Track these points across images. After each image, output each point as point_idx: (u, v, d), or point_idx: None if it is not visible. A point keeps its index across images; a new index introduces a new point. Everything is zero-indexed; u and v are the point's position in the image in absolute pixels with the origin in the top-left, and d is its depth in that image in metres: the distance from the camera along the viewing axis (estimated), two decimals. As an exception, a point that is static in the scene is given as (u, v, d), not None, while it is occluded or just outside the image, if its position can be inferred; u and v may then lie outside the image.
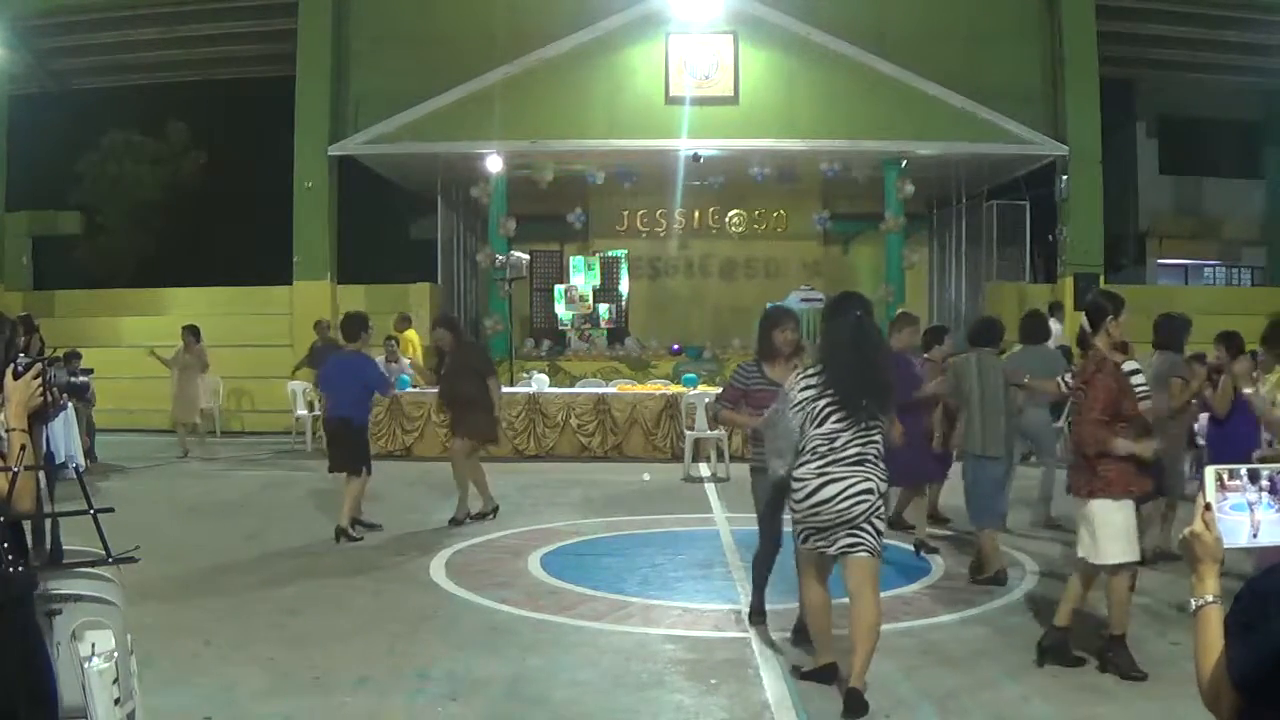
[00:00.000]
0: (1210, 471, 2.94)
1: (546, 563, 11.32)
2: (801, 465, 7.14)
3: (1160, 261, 32.96)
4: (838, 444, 7.09)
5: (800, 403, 7.15)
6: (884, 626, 8.28)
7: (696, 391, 18.45)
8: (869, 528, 7.12)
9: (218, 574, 10.81)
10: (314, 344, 19.88)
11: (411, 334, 21.48)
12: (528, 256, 24.70)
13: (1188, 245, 33.18)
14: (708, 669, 7.92)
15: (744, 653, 8.26)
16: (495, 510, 13.75)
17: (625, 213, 27.48)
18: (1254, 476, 2.91)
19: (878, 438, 7.20)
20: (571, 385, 21.34)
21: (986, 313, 24.39)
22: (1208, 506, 2.90)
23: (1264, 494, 2.88)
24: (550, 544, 12.26)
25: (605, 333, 25.64)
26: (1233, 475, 2.91)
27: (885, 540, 7.39)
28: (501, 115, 21.98)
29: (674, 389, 19.95)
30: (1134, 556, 7.81)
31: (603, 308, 26.00)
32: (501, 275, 23.49)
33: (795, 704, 7.21)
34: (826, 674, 7.49)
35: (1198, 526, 2.91)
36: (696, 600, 9.65)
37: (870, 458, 7.14)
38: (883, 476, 7.19)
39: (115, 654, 4.23)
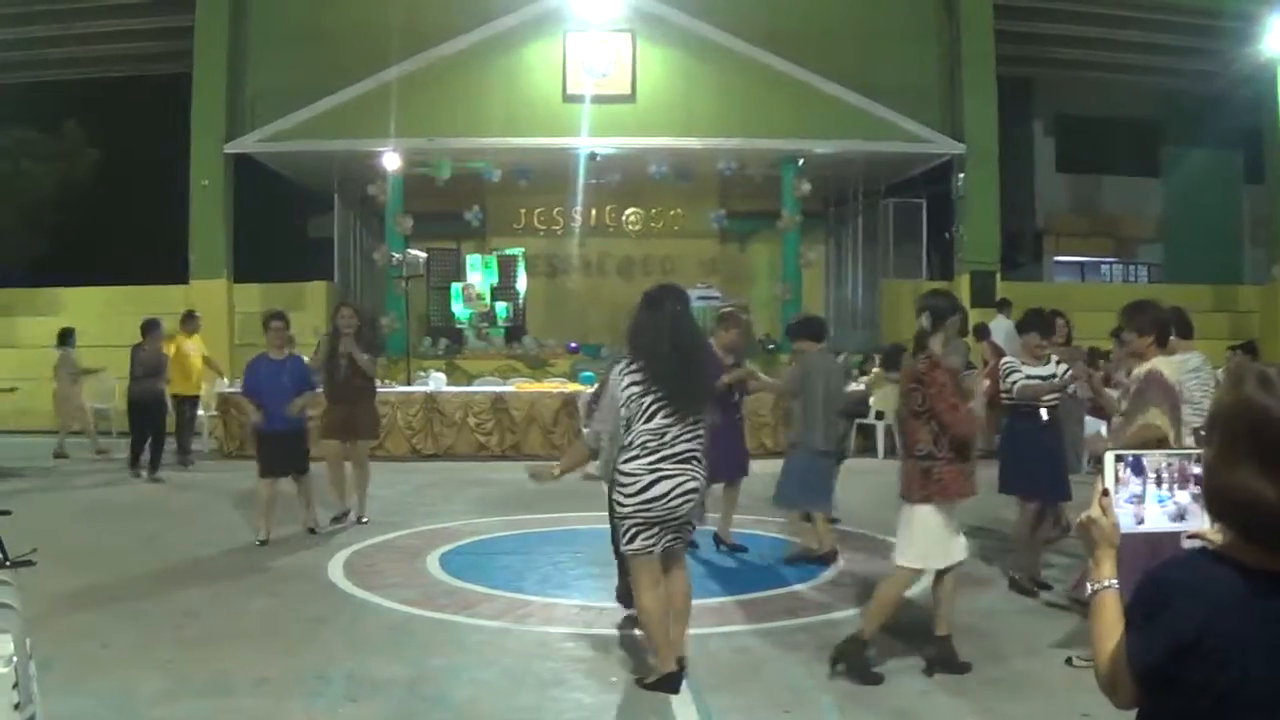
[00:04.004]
0: (1109, 458, 3.01)
1: (445, 562, 11.33)
2: (631, 461, 7.20)
3: (1057, 259, 33.38)
4: (667, 439, 7.21)
5: (627, 398, 7.21)
6: (784, 622, 8.57)
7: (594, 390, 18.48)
8: (691, 525, 7.48)
9: (116, 577, 10.67)
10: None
11: (198, 339, 19.45)
12: (425, 255, 24.59)
13: (1084, 243, 33.64)
14: (608, 667, 7.99)
15: (643, 650, 8.29)
16: (344, 516, 13.41)
17: (522, 211, 27.42)
18: (1138, 468, 2.98)
19: (703, 434, 7.36)
20: (469, 384, 21.27)
21: (883, 310, 24.81)
22: (1105, 492, 2.97)
23: (1154, 485, 2.96)
24: (449, 543, 12.26)
25: (503, 331, 25.56)
26: (1130, 464, 2.98)
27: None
28: (399, 113, 21.83)
29: (572, 387, 19.96)
30: (933, 565, 7.82)
31: (500, 306, 25.92)
32: (398, 273, 23.38)
33: (695, 699, 7.26)
34: (673, 681, 7.41)
35: (1095, 512, 2.97)
36: (596, 598, 9.66)
37: (697, 455, 7.30)
38: (705, 475, 7.40)
39: (14, 658, 4.18)
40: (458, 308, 25.83)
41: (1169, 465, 2.99)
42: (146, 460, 17.06)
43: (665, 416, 7.20)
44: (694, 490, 7.26)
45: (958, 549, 7.78)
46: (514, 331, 25.66)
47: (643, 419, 7.19)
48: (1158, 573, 2.68)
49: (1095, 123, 32.27)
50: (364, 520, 13.31)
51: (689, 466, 7.25)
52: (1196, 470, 2.93)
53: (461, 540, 12.49)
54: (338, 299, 24.05)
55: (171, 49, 24.29)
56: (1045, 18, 25.43)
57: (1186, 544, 2.91)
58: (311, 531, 12.60)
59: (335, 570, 10.92)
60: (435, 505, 14.86)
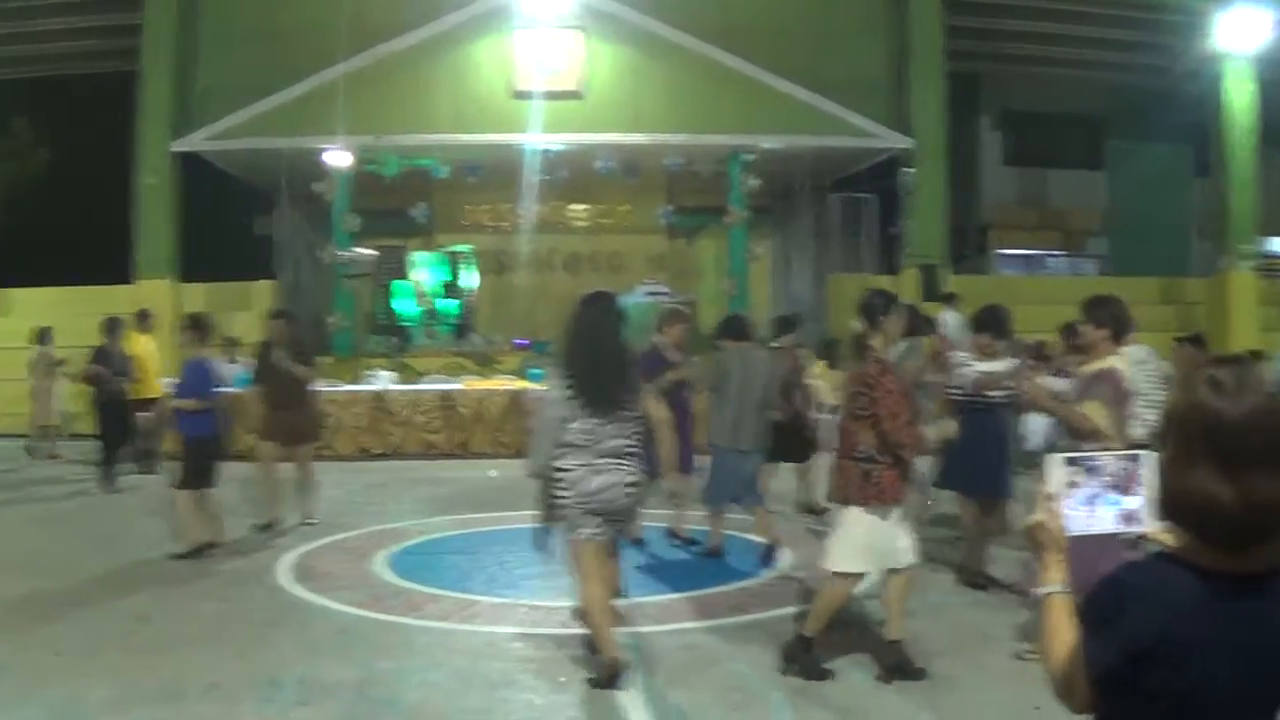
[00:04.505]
0: (1054, 460, 3.01)
1: (394, 563, 11.34)
2: (566, 458, 7.53)
3: (1002, 252, 33.56)
4: (597, 437, 7.55)
5: (559, 399, 7.54)
6: (733, 619, 8.85)
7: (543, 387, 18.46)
8: (629, 516, 7.79)
9: (68, 581, 10.58)
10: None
11: (149, 338, 18.65)
12: (373, 253, 24.49)
13: (1031, 236, 33.79)
14: (557, 667, 7.99)
15: (593, 650, 8.34)
16: (272, 525, 13.09)
17: (470, 208, 27.34)
18: (1092, 468, 3.02)
19: (635, 430, 7.66)
20: (417, 382, 21.22)
21: (826, 305, 24.90)
22: (1051, 496, 2.98)
23: (1105, 488, 3.00)
24: (397, 544, 12.27)
25: (450, 329, 25.54)
26: (1076, 466, 3.00)
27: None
28: (346, 110, 21.68)
29: (520, 384, 19.97)
30: (865, 568, 7.80)
31: (448, 303, 25.90)
32: (346, 272, 23.32)
33: (648, 699, 7.32)
34: (617, 675, 7.54)
35: (1041, 515, 2.97)
36: (544, 597, 9.67)
37: (629, 451, 7.61)
38: (633, 471, 7.64)
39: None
40: (405, 306, 25.79)
41: (1121, 466, 3.03)
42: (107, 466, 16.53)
43: (592, 416, 7.55)
44: (631, 484, 7.59)
45: (902, 553, 7.74)
46: (462, 329, 25.65)
47: (574, 419, 7.52)
48: (1114, 576, 2.72)
49: (1042, 117, 32.47)
50: (312, 522, 13.22)
51: (622, 461, 7.60)
52: (1143, 472, 2.98)
53: (410, 540, 12.49)
54: (284, 298, 24.04)
55: (120, 47, 24.06)
56: (993, 13, 25.57)
57: (1129, 553, 2.95)
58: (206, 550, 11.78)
59: (284, 573, 10.90)
60: (384, 505, 14.84)
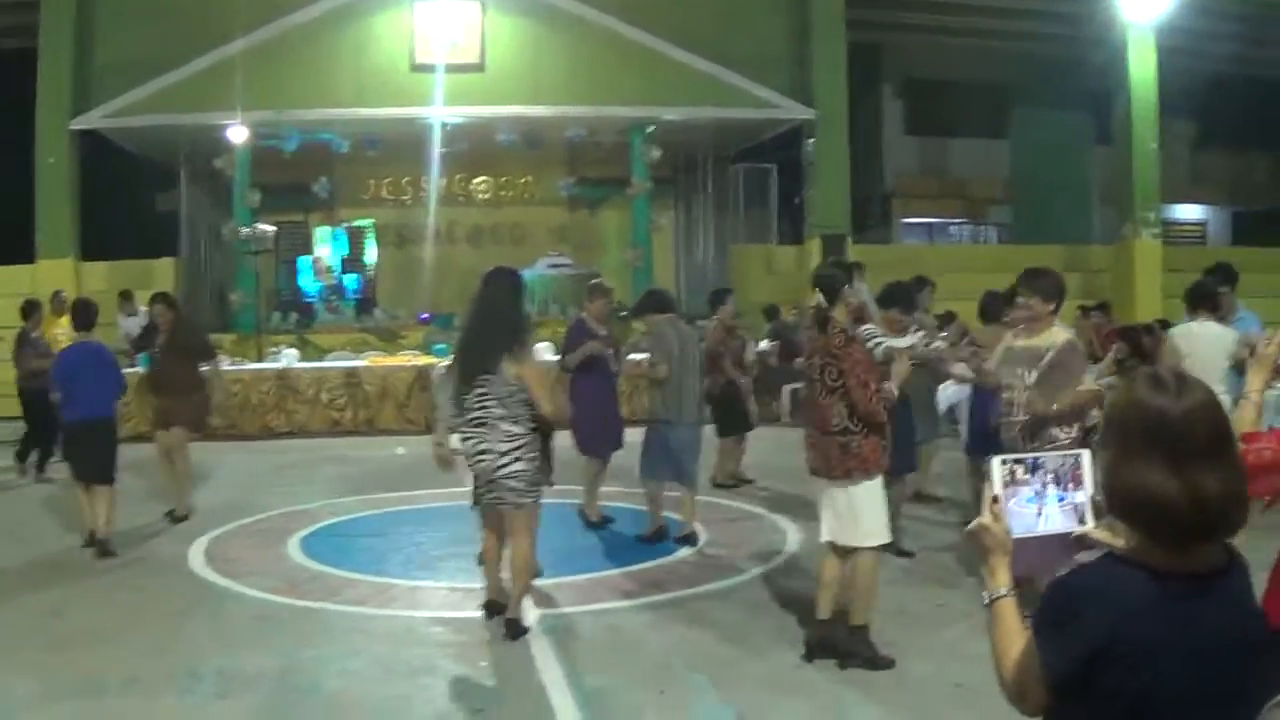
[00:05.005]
0: (996, 463, 3.04)
1: (307, 546, 11.24)
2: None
3: (906, 221, 33.74)
4: (467, 406, 8.13)
5: (443, 375, 8.39)
6: (654, 597, 8.95)
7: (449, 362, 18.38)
8: (504, 484, 8.02)
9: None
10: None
11: (65, 320, 17.02)
12: (274, 229, 24.23)
13: (933, 204, 33.93)
14: (478, 650, 8.02)
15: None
16: (187, 517, 12.66)
17: (371, 181, 27.23)
18: (1034, 468, 3.06)
19: (490, 402, 8.01)
20: (321, 359, 21.07)
21: (729, 276, 24.98)
22: (995, 499, 3.00)
23: (1049, 485, 3.04)
24: (309, 526, 12.16)
25: (353, 304, 25.37)
26: (1018, 467, 3.05)
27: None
28: (246, 85, 21.43)
29: (425, 360, 19.87)
30: (889, 537, 7.84)
31: (350, 278, 25.73)
32: (247, 248, 23.09)
33: (569, 679, 7.35)
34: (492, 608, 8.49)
35: (986, 519, 2.98)
36: (461, 579, 9.63)
37: (488, 420, 8.04)
38: (503, 439, 8.00)
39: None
40: (307, 281, 25.60)
41: (1064, 464, 3.07)
42: (34, 459, 15.77)
43: (462, 384, 8.17)
44: (484, 452, 8.04)
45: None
46: (364, 304, 25.49)
47: (457, 389, 8.19)
48: (1066, 580, 2.75)
49: (944, 86, 32.54)
50: (182, 518, 12.53)
51: (482, 429, 8.06)
52: (1083, 470, 3.03)
53: (321, 522, 12.39)
54: (186, 276, 23.79)
55: (18, 23, 23.50)
56: (896, -18, 25.72)
57: (1083, 555, 2.99)
58: (99, 545, 11.09)
59: (196, 559, 10.76)
60: (293, 486, 14.67)
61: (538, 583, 9.09)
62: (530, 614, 8.59)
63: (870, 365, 7.62)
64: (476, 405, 8.05)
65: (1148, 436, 2.66)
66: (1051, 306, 7.89)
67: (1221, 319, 10.26)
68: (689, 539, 11.00)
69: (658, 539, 11.02)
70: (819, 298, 7.90)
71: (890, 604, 8.37)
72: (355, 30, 22.84)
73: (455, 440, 8.34)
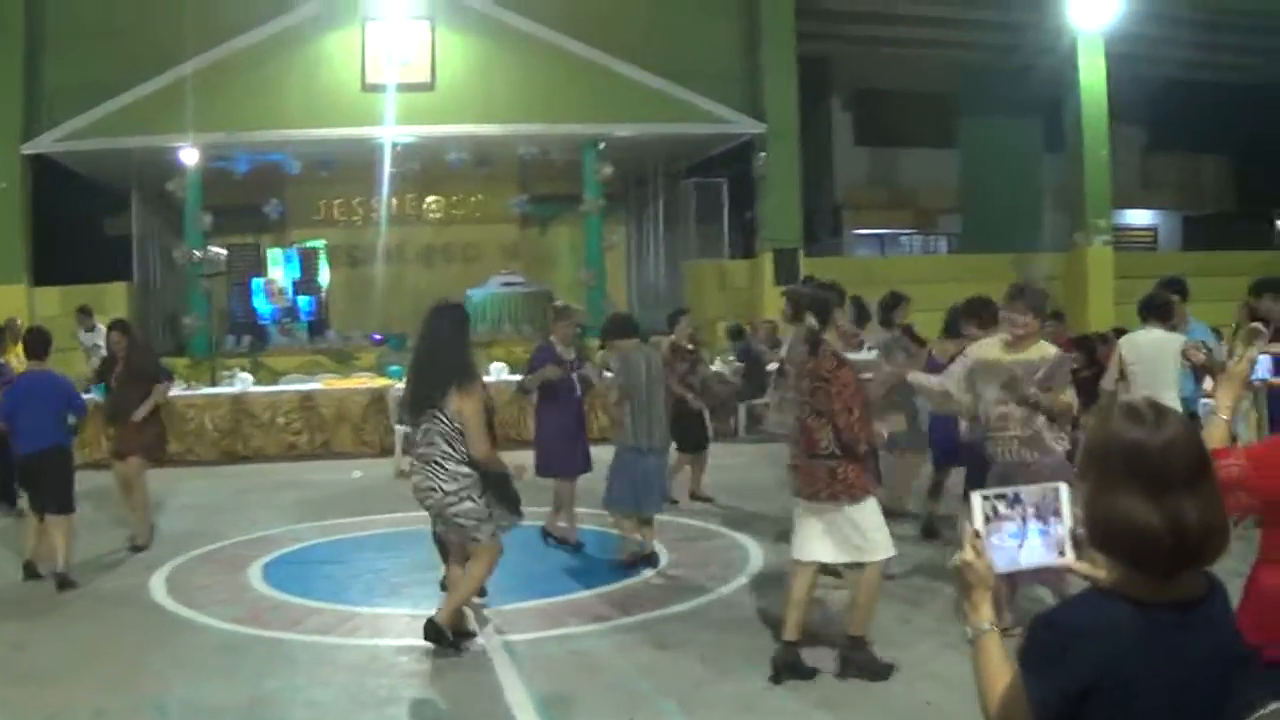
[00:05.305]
0: (977, 498, 3.02)
1: (268, 574, 11.16)
2: None
3: (856, 232, 33.84)
4: (415, 440, 8.29)
5: (393, 405, 8.20)
6: (620, 620, 9.07)
7: (403, 385, 18.32)
8: (454, 522, 8.17)
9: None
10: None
11: (19, 349, 16.32)
12: (225, 252, 24.13)
13: (883, 215, 34.03)
14: (443, 679, 7.99)
15: (479, 658, 8.36)
16: (147, 546, 12.42)
17: (323, 202, 27.28)
18: (1014, 501, 3.07)
19: (436, 439, 8.06)
20: (275, 382, 20.93)
21: (683, 292, 25.06)
22: (976, 534, 2.98)
23: (1030, 519, 3.05)
24: (269, 553, 12.06)
25: (306, 326, 25.29)
26: (999, 501, 3.06)
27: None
28: (196, 107, 21.36)
29: (381, 382, 19.77)
30: (894, 549, 7.83)
31: (302, 300, 25.67)
32: (200, 271, 22.98)
33: (537, 706, 7.34)
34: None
35: (968, 554, 2.97)
36: (423, 606, 9.42)
37: (434, 458, 8.09)
38: (447, 479, 8.05)
39: None
40: (260, 303, 25.51)
41: (1044, 497, 3.08)
42: None
43: (410, 419, 8.31)
44: (429, 488, 8.10)
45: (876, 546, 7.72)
46: (317, 325, 25.43)
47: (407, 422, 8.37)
48: (1050, 617, 2.78)
49: (893, 96, 32.69)
50: (141, 547, 12.33)
51: (425, 466, 8.14)
52: (1062, 503, 3.05)
53: (282, 549, 12.32)
54: (138, 300, 23.65)
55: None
56: (844, -5, 25.87)
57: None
58: (59, 578, 10.85)
59: (158, 589, 10.66)
60: (251, 512, 14.55)
61: (502, 607, 9.11)
62: (490, 639, 8.65)
63: (858, 392, 7.58)
64: (424, 441, 8.13)
65: (1127, 468, 2.69)
66: (1040, 320, 8.06)
67: (1172, 329, 10.37)
68: (650, 560, 10.94)
69: (633, 564, 10.84)
70: (810, 319, 7.94)
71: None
72: (306, 51, 22.78)
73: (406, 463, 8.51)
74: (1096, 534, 2.77)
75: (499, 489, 8.40)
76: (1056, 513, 3.01)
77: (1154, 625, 2.67)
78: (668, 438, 11.35)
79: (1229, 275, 19.05)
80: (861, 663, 7.58)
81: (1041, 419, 7.78)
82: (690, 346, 13.96)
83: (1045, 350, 7.94)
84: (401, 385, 10.73)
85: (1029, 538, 3.01)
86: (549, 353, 11.78)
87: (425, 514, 8.61)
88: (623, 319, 11.81)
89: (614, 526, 11.48)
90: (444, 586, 8.95)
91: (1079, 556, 2.97)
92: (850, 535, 7.57)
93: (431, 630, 8.20)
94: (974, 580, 2.99)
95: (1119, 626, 2.67)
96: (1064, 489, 3.03)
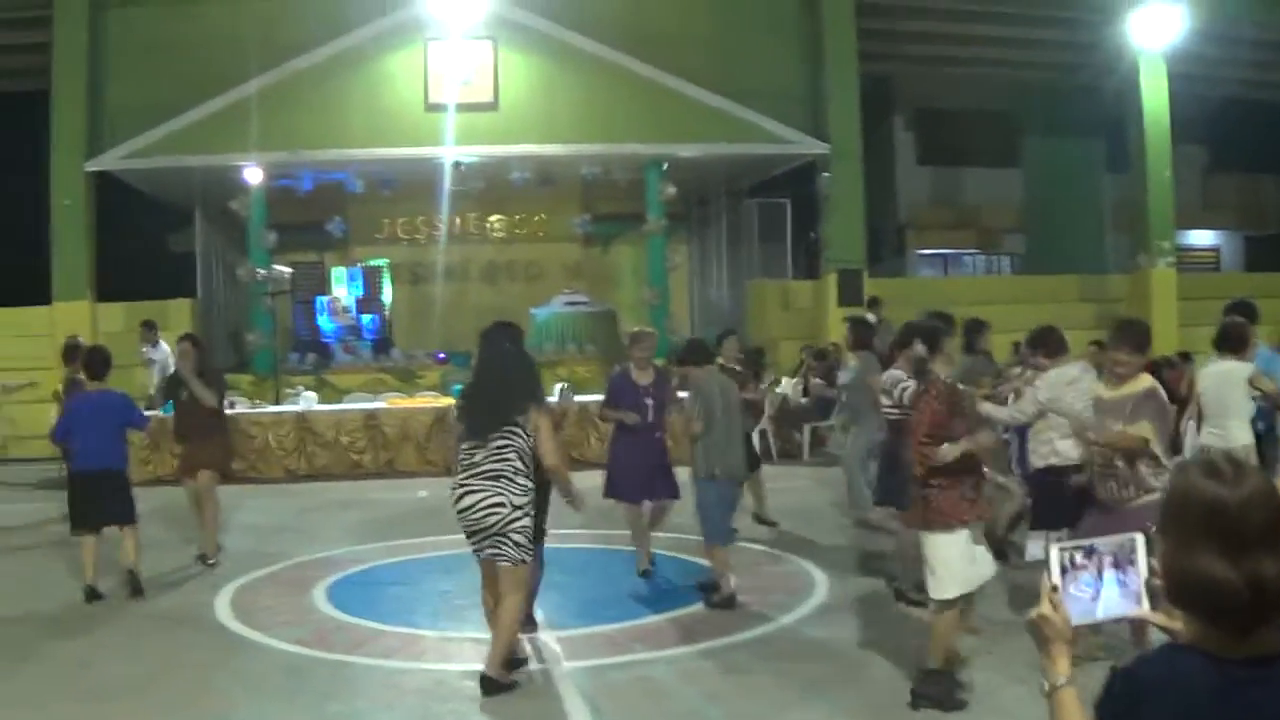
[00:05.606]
0: (1054, 550, 2.96)
1: (333, 595, 11.17)
2: (457, 476, 8.11)
3: (920, 252, 33.74)
4: (476, 459, 8.03)
5: (454, 424, 8.32)
6: (686, 648, 8.92)
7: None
8: (507, 539, 7.94)
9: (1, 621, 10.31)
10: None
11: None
12: (290, 270, 24.27)
13: (947, 235, 34.02)
14: (510, 705, 7.93)
15: (545, 685, 8.31)
16: (217, 562, 12.55)
17: (386, 221, 27.35)
18: (1091, 552, 3.00)
19: (510, 454, 7.95)
20: (339, 401, 20.99)
21: (745, 312, 25.01)
22: (1054, 588, 2.92)
23: (1108, 569, 2.98)
24: (333, 573, 12.07)
25: (370, 344, 25.36)
26: (1077, 552, 2.99)
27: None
28: (260, 126, 21.49)
29: (445, 401, 19.73)
30: (967, 589, 7.70)
31: (366, 318, 25.75)
32: (264, 289, 23.10)
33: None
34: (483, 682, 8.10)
35: (1045, 609, 2.91)
36: (489, 631, 9.53)
37: (505, 474, 7.95)
38: (518, 493, 7.95)
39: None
40: (324, 321, 25.60)
41: (1120, 546, 3.02)
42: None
43: (472, 437, 8.07)
44: (498, 505, 7.90)
45: (978, 576, 7.74)
46: (381, 344, 25.47)
47: (461, 440, 8.13)
48: (1128, 670, 2.74)
49: (955, 115, 32.69)
50: (211, 562, 12.48)
51: (495, 484, 7.93)
52: (1137, 553, 2.98)
53: (346, 570, 12.31)
54: (201, 317, 23.80)
55: (31, 65, 23.53)
56: (906, 15, 25.79)
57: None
58: (131, 581, 11.21)
59: (223, 609, 10.69)
60: (315, 531, 14.60)
61: (568, 633, 9.06)
62: (556, 665, 8.60)
63: (936, 418, 7.55)
64: (493, 458, 7.98)
65: (1204, 525, 2.64)
66: (1141, 357, 7.95)
67: (1241, 357, 10.27)
68: (720, 586, 10.50)
69: (723, 605, 10.33)
70: (919, 347, 8.12)
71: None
72: (368, 70, 22.86)
73: None
74: (1173, 589, 2.73)
75: (542, 505, 8.58)
76: (1133, 563, 2.95)
77: (1229, 681, 2.62)
78: (742, 467, 11.00)
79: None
80: (933, 695, 7.50)
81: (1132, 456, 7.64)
82: (738, 367, 13.78)
83: (1138, 385, 7.79)
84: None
85: (1105, 588, 2.95)
86: (623, 380, 11.77)
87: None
88: (699, 345, 11.52)
89: (704, 557, 11.05)
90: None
91: (1155, 606, 2.91)
92: (926, 564, 7.64)
93: (490, 685, 8.02)
94: (1051, 634, 2.93)
95: (1193, 681, 2.63)
96: (1140, 539, 2.97)
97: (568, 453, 15.22)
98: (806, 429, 19.37)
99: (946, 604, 7.60)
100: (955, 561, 7.53)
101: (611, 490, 11.65)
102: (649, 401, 11.58)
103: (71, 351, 15.82)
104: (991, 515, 7.85)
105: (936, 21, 25.93)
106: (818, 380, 19.54)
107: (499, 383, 8.24)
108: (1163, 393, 7.83)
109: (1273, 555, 2.60)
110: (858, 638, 9.20)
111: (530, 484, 8.07)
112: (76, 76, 22.47)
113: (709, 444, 10.37)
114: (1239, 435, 9.83)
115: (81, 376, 13.91)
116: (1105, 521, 6.93)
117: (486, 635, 9.29)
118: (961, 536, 7.54)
